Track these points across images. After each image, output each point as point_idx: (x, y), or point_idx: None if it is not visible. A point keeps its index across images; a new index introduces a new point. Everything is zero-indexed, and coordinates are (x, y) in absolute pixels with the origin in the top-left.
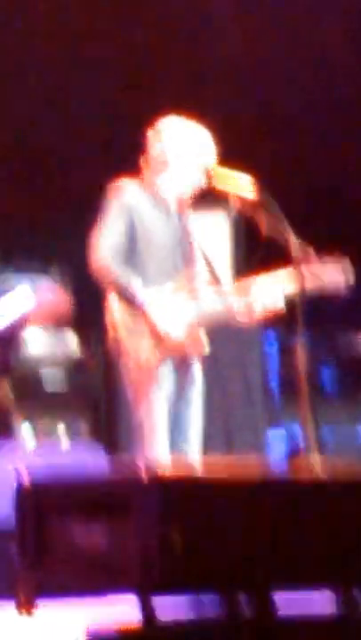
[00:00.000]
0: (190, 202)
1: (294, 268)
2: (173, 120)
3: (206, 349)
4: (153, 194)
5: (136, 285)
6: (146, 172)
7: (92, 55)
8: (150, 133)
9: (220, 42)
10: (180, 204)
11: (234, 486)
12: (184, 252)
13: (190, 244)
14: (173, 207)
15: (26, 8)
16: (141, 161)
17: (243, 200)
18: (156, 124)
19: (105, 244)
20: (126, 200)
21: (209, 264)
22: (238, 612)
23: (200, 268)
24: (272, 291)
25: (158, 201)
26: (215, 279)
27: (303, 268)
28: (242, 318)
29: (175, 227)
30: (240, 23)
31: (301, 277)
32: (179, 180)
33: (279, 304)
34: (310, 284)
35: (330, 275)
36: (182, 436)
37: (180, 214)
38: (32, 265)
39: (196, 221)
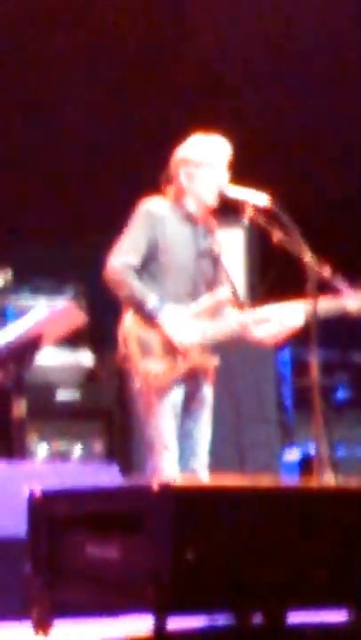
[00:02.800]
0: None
1: (308, 282)
2: (196, 139)
3: (212, 367)
4: (181, 210)
5: (152, 300)
6: (171, 191)
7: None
8: (175, 153)
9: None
10: (208, 220)
11: (248, 498)
12: (206, 270)
13: (215, 262)
14: (201, 224)
15: None
16: (164, 180)
17: (257, 208)
18: (180, 144)
19: (123, 258)
20: (152, 214)
21: (232, 283)
22: (250, 627)
23: (223, 287)
24: (291, 310)
25: (186, 217)
26: (237, 298)
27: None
28: (260, 339)
29: (200, 244)
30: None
31: (315, 291)
32: (204, 196)
33: (299, 322)
34: (326, 306)
35: (347, 300)
36: (190, 453)
37: (208, 232)
38: (47, 284)
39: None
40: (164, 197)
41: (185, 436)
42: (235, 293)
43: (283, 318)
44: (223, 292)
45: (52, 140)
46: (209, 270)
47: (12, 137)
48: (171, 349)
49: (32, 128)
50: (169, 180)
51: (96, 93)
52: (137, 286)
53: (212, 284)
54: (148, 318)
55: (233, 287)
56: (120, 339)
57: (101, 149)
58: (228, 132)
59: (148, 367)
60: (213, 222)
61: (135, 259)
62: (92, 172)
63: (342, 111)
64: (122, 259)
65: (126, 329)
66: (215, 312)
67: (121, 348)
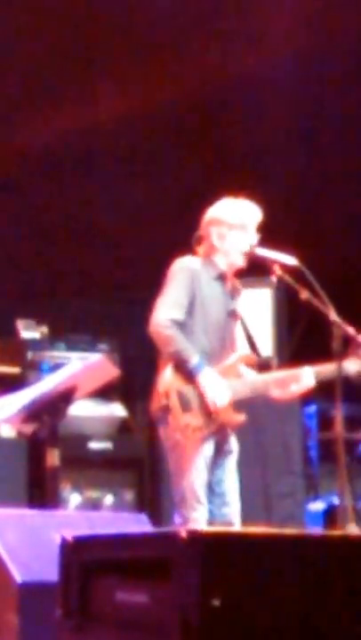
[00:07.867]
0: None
1: (334, 339)
2: (229, 202)
3: (240, 422)
4: (211, 269)
5: (195, 359)
6: (201, 250)
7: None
8: (207, 214)
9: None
10: (234, 281)
11: (274, 546)
12: (232, 330)
13: (240, 323)
14: (228, 284)
15: None
16: (195, 240)
17: (284, 267)
18: (210, 207)
19: (169, 314)
20: (190, 271)
21: (253, 344)
22: None
23: (243, 347)
24: (303, 373)
25: (216, 276)
26: (258, 357)
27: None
28: (277, 397)
29: (228, 304)
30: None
31: (340, 349)
32: (234, 256)
33: (311, 383)
34: (356, 367)
35: None
36: (222, 502)
37: (233, 293)
38: (82, 339)
39: (243, 299)
40: (195, 256)
41: (217, 486)
42: (257, 354)
43: (296, 380)
44: (243, 353)
45: (87, 200)
46: (234, 330)
47: (54, 196)
48: (207, 406)
49: (69, 186)
50: (200, 240)
51: (135, 159)
52: (182, 344)
53: (234, 344)
54: (189, 375)
55: (254, 348)
56: (161, 391)
57: (133, 210)
58: (255, 196)
59: (187, 421)
60: (239, 284)
61: (179, 314)
62: (127, 233)
63: None
64: (167, 314)
65: (168, 382)
66: (237, 371)
67: (162, 400)
